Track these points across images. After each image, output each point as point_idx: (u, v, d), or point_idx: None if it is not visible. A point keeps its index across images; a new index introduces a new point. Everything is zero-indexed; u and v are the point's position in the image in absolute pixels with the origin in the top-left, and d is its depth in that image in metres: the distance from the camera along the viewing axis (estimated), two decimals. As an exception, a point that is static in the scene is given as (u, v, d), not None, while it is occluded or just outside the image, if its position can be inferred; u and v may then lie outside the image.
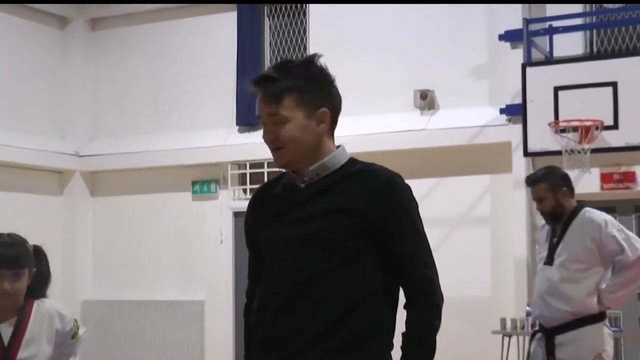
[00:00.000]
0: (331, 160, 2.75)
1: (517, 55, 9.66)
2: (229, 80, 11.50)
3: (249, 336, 2.84)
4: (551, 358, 5.41)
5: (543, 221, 5.77)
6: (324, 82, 2.76)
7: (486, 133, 10.05)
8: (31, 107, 12.08)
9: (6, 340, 3.62)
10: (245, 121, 11.21)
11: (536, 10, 9.97)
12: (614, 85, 8.80)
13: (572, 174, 8.93)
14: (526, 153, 9.24)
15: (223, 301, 11.52)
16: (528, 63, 9.36)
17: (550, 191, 5.50)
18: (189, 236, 11.88)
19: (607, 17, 10.00)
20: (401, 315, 2.72)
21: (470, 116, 10.17)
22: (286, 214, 2.75)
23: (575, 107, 8.84)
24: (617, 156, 9.18)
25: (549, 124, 8.88)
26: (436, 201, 10.16)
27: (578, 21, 9.88)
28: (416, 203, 2.76)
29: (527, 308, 8.45)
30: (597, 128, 8.78)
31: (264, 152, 2.78)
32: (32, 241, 3.75)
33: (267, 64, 11.55)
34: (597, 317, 5.43)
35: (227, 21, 11.67)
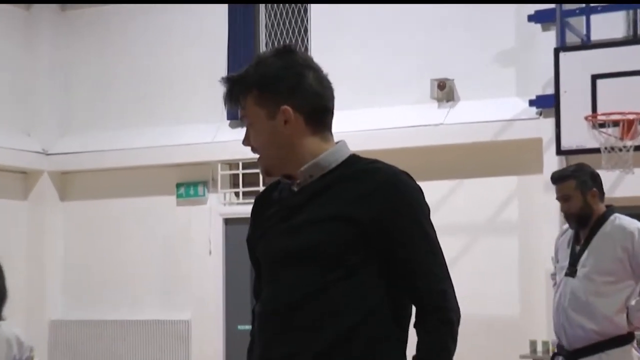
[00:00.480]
0: (326, 158, 2.74)
1: (549, 38, 9.65)
2: (219, 68, 11.51)
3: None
4: None
5: (565, 225, 5.77)
6: (288, 76, 2.73)
7: (513, 128, 10.06)
8: (-8, 98, 12.13)
9: None
10: (237, 115, 11.18)
11: (571, -14, 9.98)
12: (660, 73, 8.81)
13: (613, 174, 9.01)
14: (559, 151, 9.23)
15: (212, 321, 11.53)
16: (561, 48, 9.35)
17: (579, 190, 5.53)
18: (174, 246, 11.89)
19: (652, -5, 10.01)
20: (412, 335, 2.73)
21: (495, 109, 10.18)
22: (279, 223, 2.76)
23: (615, 98, 8.83)
24: (664, 154, 9.19)
25: (586, 118, 8.88)
26: (456, 206, 10.16)
27: (619, -1, 9.89)
28: (427, 206, 2.74)
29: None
30: (641, 122, 8.79)
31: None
32: (-11, 252, 3.74)
33: (263, 48, 11.57)
34: (626, 339, 5.44)
35: (217, 4, 11.68)
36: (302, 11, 11.57)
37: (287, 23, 11.66)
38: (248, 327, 3.04)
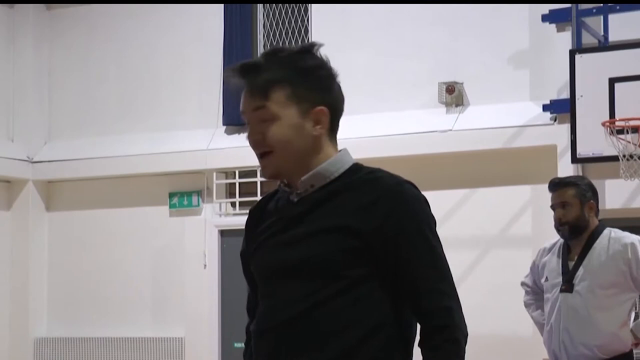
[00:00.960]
0: (328, 167, 2.74)
1: (565, 39, 9.66)
2: (213, 72, 11.52)
3: None
4: None
5: (546, 244, 5.95)
6: (323, 76, 2.74)
7: (526, 134, 10.07)
8: (-26, 102, 12.14)
9: None
10: (233, 121, 11.23)
11: (587, -15, 10.00)
12: (682, 76, 8.82)
13: (632, 183, 9.02)
14: (575, 159, 9.24)
15: (207, 338, 11.52)
16: (577, 49, 9.36)
17: (578, 199, 5.70)
18: (166, 259, 11.89)
19: (673, -6, 10.02)
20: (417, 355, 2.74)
21: (507, 114, 10.18)
22: (275, 235, 2.75)
23: (634, 102, 8.84)
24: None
25: (603, 124, 8.88)
26: (465, 217, 10.16)
27: (638, -2, 9.90)
28: (432, 217, 2.74)
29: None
30: (661, 128, 8.79)
31: (256, 158, 2.79)
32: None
33: (261, 50, 11.58)
34: (628, 357, 5.58)
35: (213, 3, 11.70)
36: (302, 11, 11.58)
37: (286, 24, 11.67)
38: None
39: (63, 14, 12.73)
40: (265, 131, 2.69)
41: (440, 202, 8.98)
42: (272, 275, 2.74)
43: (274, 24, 11.74)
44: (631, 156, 8.77)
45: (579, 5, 9.51)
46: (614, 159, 8.79)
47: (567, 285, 5.63)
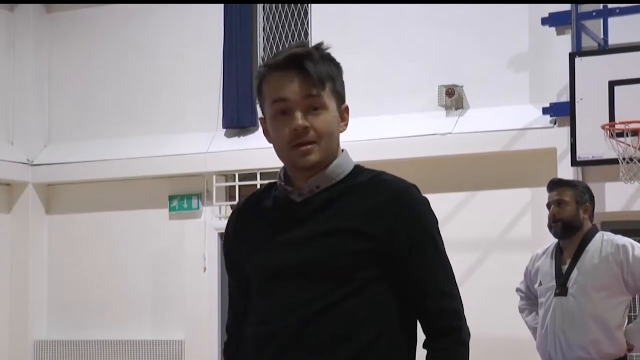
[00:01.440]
0: (335, 169, 2.75)
1: (564, 43, 9.66)
2: (213, 74, 11.52)
3: None
4: None
5: (538, 252, 6.07)
6: (341, 76, 2.83)
7: (526, 138, 10.06)
8: (-26, 105, 12.14)
9: None
10: (233, 124, 11.22)
11: (587, -12, 10.00)
12: (683, 79, 8.83)
13: (632, 187, 9.01)
14: (575, 162, 9.23)
15: (207, 341, 11.51)
16: (578, 53, 9.36)
17: (575, 200, 5.80)
18: (166, 263, 11.88)
19: (673, -3, 10.01)
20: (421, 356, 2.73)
21: (507, 117, 10.18)
22: (279, 236, 2.74)
23: (635, 106, 8.84)
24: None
25: (603, 127, 8.88)
26: (466, 220, 10.15)
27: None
28: (436, 219, 2.76)
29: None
30: (662, 132, 8.79)
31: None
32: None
33: (261, 53, 11.58)
34: None
35: (212, 4, 11.70)
36: (302, 14, 11.58)
37: (286, 26, 11.66)
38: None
39: (63, 17, 12.73)
40: (314, 120, 2.69)
41: (440, 205, 8.93)
42: (275, 278, 2.73)
43: (274, 27, 11.73)
44: (631, 159, 8.77)
45: (579, 8, 9.51)
46: (614, 162, 8.79)
47: (562, 289, 5.68)
